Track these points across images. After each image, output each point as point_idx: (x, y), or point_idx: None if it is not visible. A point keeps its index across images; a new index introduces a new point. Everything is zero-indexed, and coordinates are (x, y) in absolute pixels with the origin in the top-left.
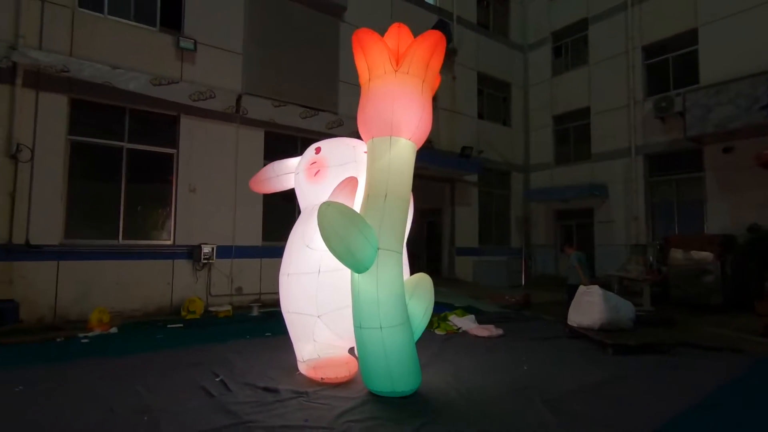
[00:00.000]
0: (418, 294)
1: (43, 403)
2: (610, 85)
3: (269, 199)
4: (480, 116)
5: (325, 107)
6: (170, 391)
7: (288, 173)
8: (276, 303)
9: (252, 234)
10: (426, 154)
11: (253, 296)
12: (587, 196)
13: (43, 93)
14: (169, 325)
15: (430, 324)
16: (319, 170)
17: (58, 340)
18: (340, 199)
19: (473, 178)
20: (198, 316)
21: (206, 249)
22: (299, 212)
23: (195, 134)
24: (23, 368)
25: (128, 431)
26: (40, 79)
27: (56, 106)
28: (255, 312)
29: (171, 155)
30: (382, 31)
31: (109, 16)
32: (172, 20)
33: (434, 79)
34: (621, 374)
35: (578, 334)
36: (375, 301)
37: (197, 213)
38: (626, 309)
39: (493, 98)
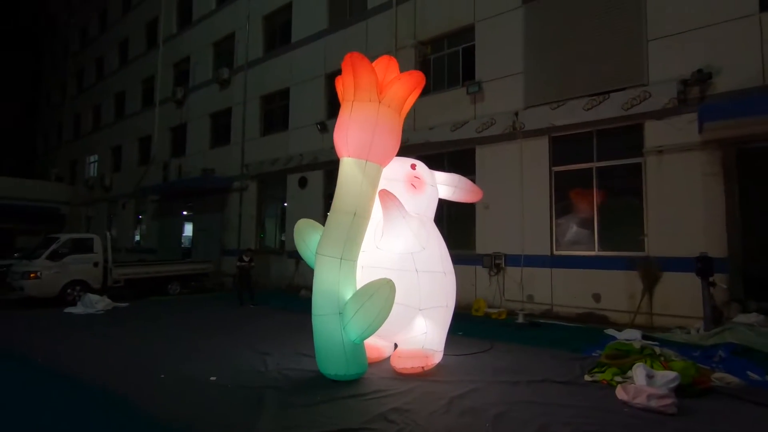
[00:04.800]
0: (360, 295)
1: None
2: None
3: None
4: None
5: (626, 83)
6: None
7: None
8: (557, 316)
9: (541, 244)
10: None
11: (545, 306)
12: None
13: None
14: None
15: (596, 366)
16: None
17: None
18: None
19: None
20: (480, 314)
21: (497, 258)
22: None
23: (485, 159)
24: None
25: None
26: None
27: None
28: (519, 318)
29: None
30: None
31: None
32: (470, 74)
33: (368, 93)
34: None
35: None
36: (312, 293)
37: (491, 226)
38: None
39: None
